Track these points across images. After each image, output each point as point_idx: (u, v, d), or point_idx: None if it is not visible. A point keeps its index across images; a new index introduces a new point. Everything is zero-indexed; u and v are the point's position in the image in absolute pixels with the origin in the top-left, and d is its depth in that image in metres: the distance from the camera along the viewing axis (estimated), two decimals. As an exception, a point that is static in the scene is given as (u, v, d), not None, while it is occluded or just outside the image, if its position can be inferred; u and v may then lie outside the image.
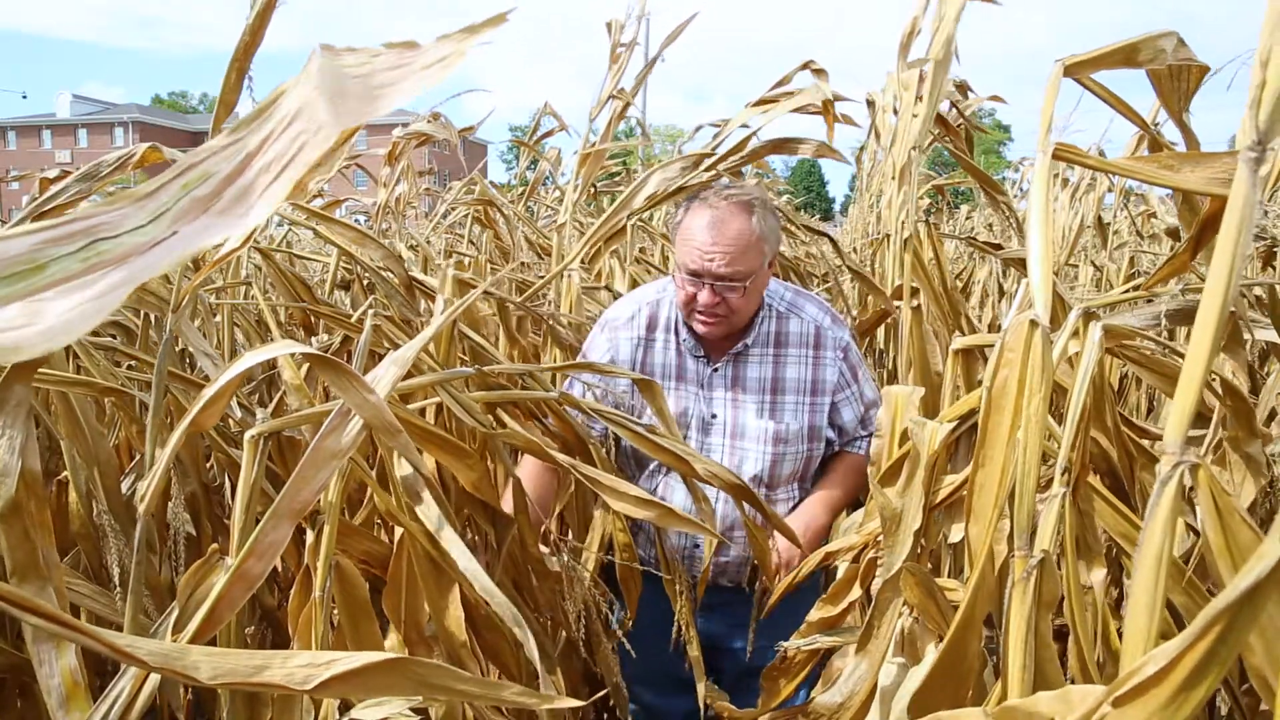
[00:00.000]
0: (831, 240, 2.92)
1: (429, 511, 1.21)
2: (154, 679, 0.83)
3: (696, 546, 2.09)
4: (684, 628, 1.61)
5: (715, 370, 2.06)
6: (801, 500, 2.09)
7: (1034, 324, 0.80)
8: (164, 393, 1.11)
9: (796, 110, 2.08)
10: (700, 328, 1.99)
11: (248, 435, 1.01)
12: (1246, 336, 1.57)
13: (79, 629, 0.43)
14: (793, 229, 3.67)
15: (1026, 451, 0.79)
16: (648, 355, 2.11)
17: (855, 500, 2.18)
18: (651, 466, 2.09)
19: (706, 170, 1.93)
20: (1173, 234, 3.15)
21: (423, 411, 1.48)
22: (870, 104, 2.59)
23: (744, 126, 2.13)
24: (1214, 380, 1.33)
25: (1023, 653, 0.76)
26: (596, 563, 1.92)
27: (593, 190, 4.06)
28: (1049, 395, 0.80)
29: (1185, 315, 1.35)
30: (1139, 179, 0.95)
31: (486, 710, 1.19)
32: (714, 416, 2.05)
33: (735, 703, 2.28)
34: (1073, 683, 0.81)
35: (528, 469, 2.07)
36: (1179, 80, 1.07)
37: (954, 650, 0.90)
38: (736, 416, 2.04)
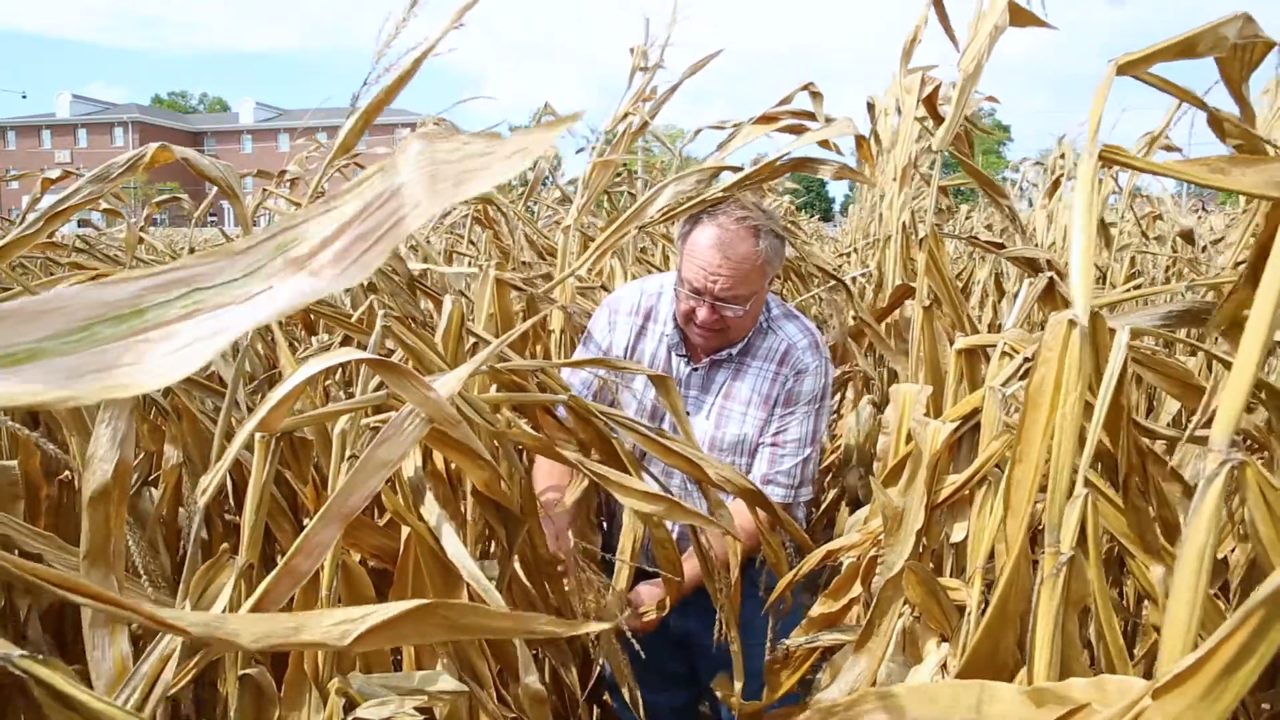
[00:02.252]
0: (846, 288, 2.87)
1: (429, 509, 1.22)
2: (167, 675, 0.84)
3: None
4: (726, 626, 1.60)
5: (695, 370, 2.09)
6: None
7: (1072, 324, 0.80)
8: (235, 398, 1.15)
9: (789, 122, 2.11)
10: (696, 340, 2.03)
11: (259, 435, 1.01)
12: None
13: (128, 606, 0.45)
14: (794, 230, 3.68)
15: (1060, 450, 0.79)
16: (640, 343, 2.14)
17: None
18: None
19: (725, 191, 1.94)
20: (1185, 236, 3.15)
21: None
22: (870, 107, 2.60)
23: (764, 135, 2.15)
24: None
25: (1049, 649, 0.77)
26: (631, 572, 1.92)
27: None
28: (1084, 394, 0.80)
29: (1188, 316, 1.36)
30: (1189, 180, 0.94)
31: (494, 709, 1.20)
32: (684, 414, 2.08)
33: (710, 703, 2.29)
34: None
35: (544, 468, 2.07)
36: (1243, 53, 1.07)
37: (985, 645, 0.90)
38: (693, 417, 2.07)
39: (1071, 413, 0.78)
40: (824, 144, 2.14)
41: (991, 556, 1.10)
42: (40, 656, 0.45)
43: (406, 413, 0.93)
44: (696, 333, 2.00)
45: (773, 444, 2.05)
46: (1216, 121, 1.16)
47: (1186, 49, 0.95)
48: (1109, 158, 0.88)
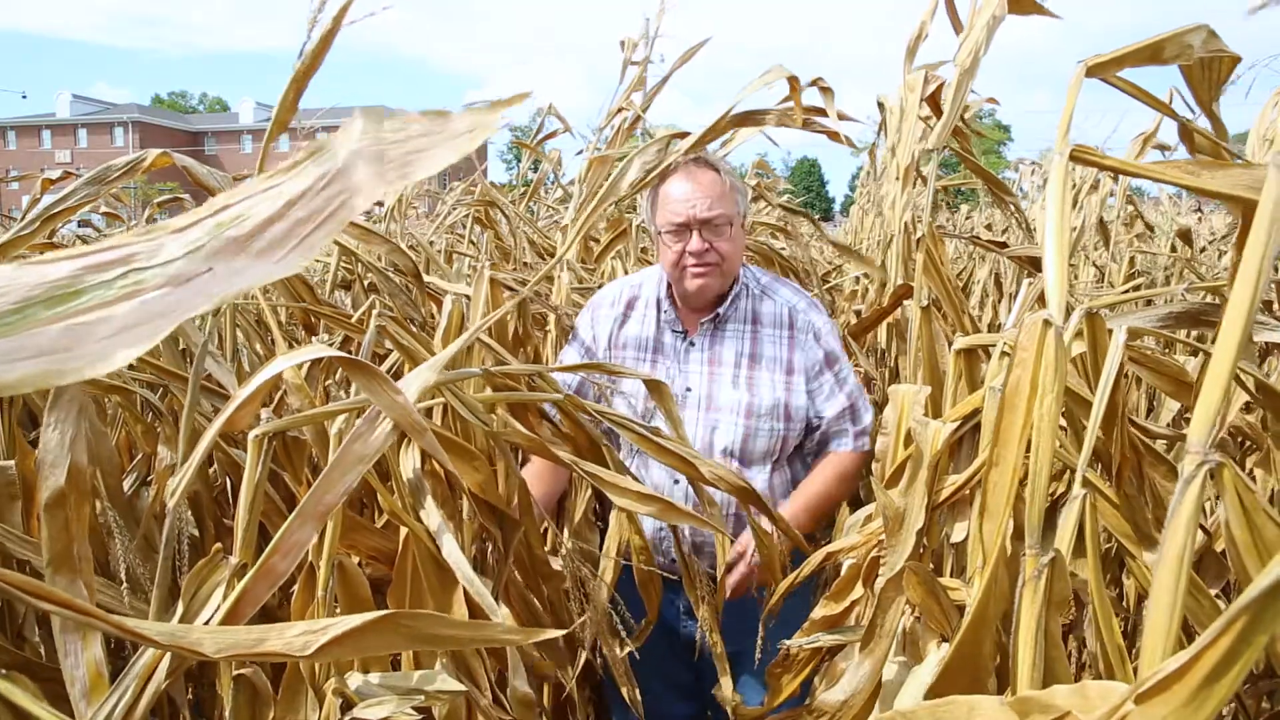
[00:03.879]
0: (811, 219, 2.94)
1: (426, 511, 1.22)
2: (159, 675, 0.84)
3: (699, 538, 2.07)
4: (708, 632, 1.62)
5: (692, 344, 2.11)
6: (775, 478, 2.09)
7: (1048, 324, 0.80)
8: (196, 398, 1.13)
9: (797, 126, 2.12)
10: (695, 282, 2.05)
11: (252, 435, 1.01)
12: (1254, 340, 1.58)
13: (93, 615, 0.44)
14: (789, 230, 3.68)
15: (1038, 451, 0.79)
16: (624, 329, 2.17)
17: (838, 503, 2.17)
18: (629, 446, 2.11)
19: (688, 151, 2.00)
20: (1183, 235, 3.15)
21: (428, 412, 1.48)
22: (881, 106, 2.60)
23: (760, 131, 2.16)
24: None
25: (1032, 651, 0.76)
26: (615, 568, 1.92)
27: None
28: (1061, 395, 0.80)
29: (1188, 317, 1.35)
30: (1161, 181, 0.95)
31: (490, 709, 1.20)
32: (688, 390, 2.09)
33: (713, 713, 2.26)
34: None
35: (535, 465, 2.08)
36: (1210, 71, 1.08)
37: (966, 649, 0.90)
38: (710, 389, 2.08)
39: (1048, 414, 0.78)
40: (794, 96, 2.15)
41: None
42: (4, 672, 0.45)
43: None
44: (692, 272, 2.04)
45: (850, 405, 2.11)
46: (1188, 133, 1.17)
47: (1154, 54, 0.96)
48: (1079, 157, 0.88)
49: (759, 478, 2.06)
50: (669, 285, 2.14)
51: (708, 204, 2.00)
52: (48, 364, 0.29)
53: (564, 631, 0.68)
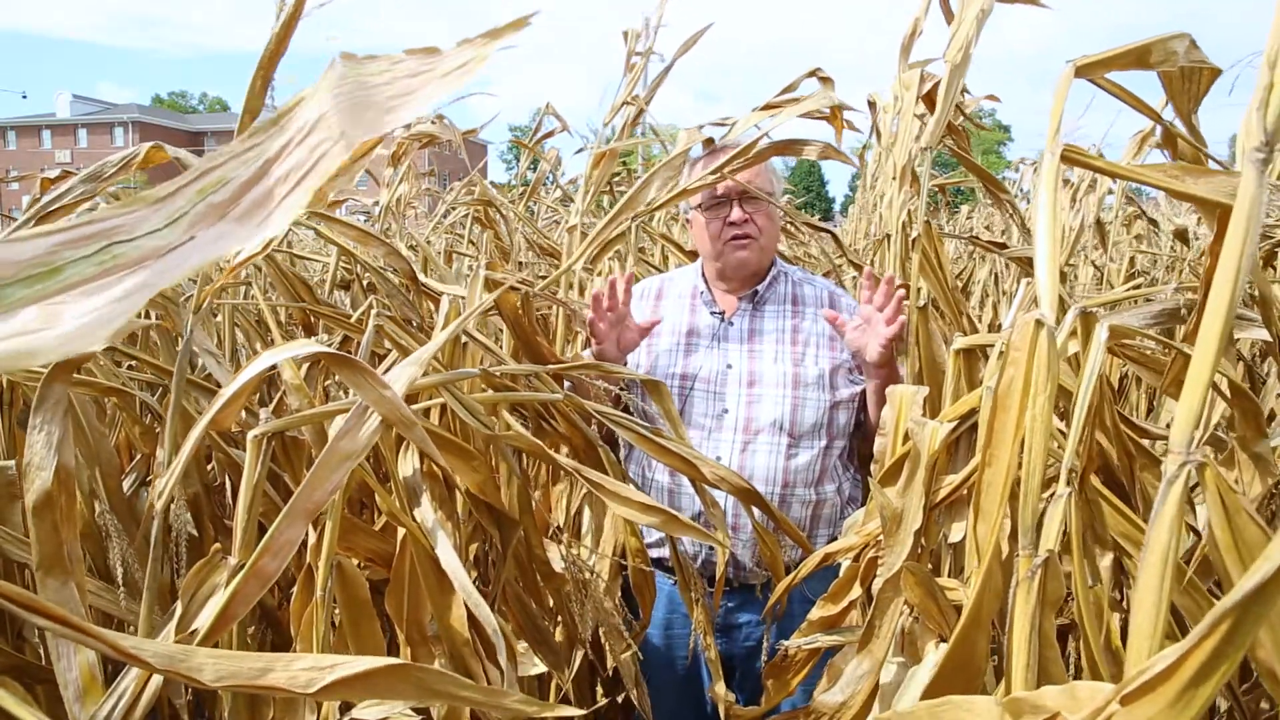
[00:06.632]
0: (834, 236, 2.94)
1: (424, 512, 1.22)
2: (157, 678, 0.84)
3: (711, 549, 2.03)
4: (702, 636, 1.61)
5: (730, 324, 2.14)
6: (826, 457, 2.06)
7: (1040, 324, 0.80)
8: (182, 394, 1.12)
9: (804, 116, 2.12)
10: (736, 255, 2.09)
11: (251, 435, 1.01)
12: (1237, 336, 1.59)
13: (88, 631, 0.44)
14: (792, 229, 3.67)
15: (1031, 451, 0.79)
16: (655, 315, 2.17)
17: None
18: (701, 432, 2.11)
19: (712, 173, 1.97)
20: (1180, 235, 3.15)
21: (427, 413, 1.48)
22: (871, 105, 2.59)
23: (756, 127, 2.16)
24: (1220, 381, 1.32)
25: (1026, 651, 0.77)
26: (611, 566, 1.91)
27: (607, 188, 4.08)
28: (1054, 395, 0.80)
29: (1178, 315, 1.35)
30: (1146, 184, 0.95)
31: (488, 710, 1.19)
32: (729, 366, 2.10)
33: None
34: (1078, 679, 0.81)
35: None
36: (1190, 81, 1.09)
37: (961, 649, 0.90)
38: (752, 365, 2.09)
39: (1041, 414, 0.78)
40: (836, 124, 2.16)
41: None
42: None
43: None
44: (733, 244, 2.08)
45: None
46: (1170, 139, 1.17)
47: (1140, 58, 0.97)
48: (1069, 158, 0.88)
49: (808, 452, 2.04)
50: (704, 275, 2.19)
51: (745, 177, 2.03)
52: (20, 344, 0.28)
53: (583, 712, 0.68)
